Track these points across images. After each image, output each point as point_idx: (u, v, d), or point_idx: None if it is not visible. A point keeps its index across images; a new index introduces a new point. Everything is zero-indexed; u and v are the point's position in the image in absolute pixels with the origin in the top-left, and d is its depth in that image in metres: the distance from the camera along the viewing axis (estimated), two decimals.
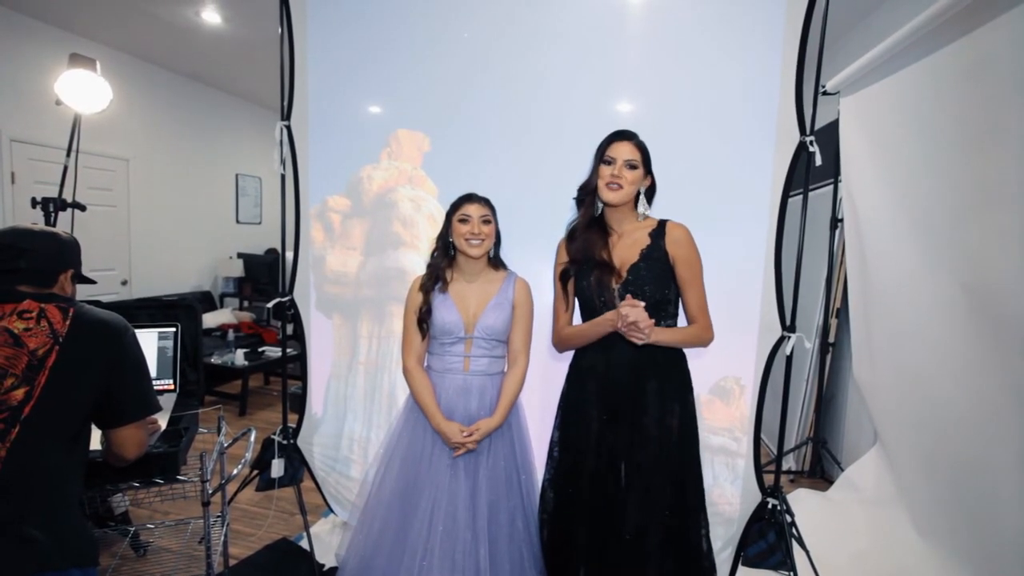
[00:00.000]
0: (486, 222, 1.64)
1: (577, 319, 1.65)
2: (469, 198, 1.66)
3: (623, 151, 1.50)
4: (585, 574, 1.52)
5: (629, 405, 1.49)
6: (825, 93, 2.64)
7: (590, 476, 1.52)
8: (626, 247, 1.54)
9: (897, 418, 2.32)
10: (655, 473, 1.48)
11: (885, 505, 2.32)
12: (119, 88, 3.80)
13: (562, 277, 1.61)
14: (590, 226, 1.58)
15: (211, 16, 3.82)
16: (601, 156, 1.54)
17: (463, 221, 1.63)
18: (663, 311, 1.51)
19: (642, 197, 1.55)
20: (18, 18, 3.78)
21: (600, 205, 1.58)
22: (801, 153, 1.81)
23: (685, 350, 1.57)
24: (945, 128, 1.95)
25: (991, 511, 1.77)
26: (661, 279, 1.49)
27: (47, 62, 3.85)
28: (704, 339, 1.52)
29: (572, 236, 1.61)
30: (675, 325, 1.56)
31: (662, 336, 1.46)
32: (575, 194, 1.62)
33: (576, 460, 1.56)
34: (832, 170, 2.89)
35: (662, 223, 1.54)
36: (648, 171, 1.55)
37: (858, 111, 2.52)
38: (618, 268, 1.51)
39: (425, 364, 1.72)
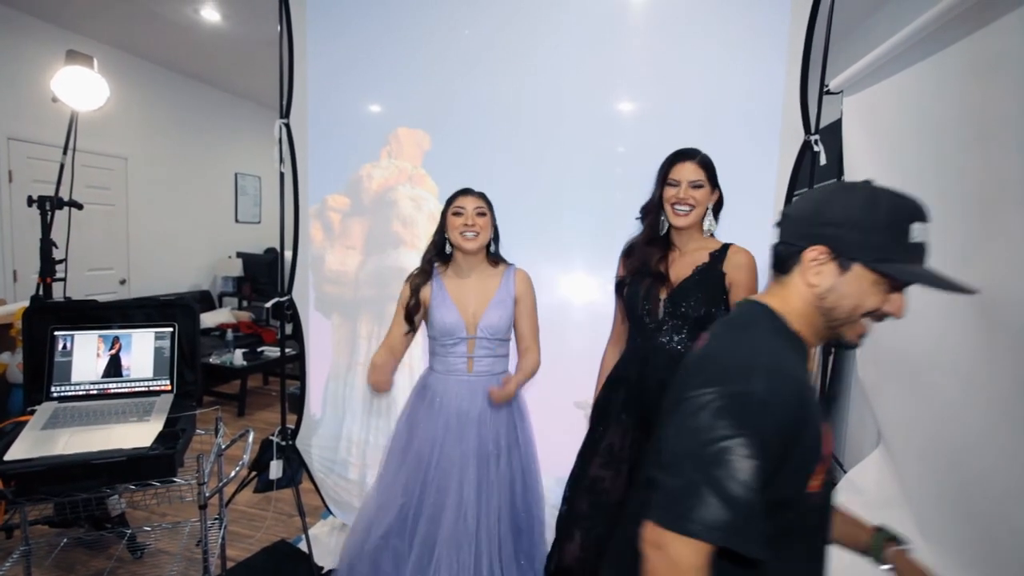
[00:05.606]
0: (481, 214, 1.59)
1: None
2: (464, 192, 1.63)
3: (687, 172, 1.45)
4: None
5: (656, 418, 1.47)
6: (828, 92, 2.61)
7: (610, 481, 1.51)
8: (684, 264, 1.50)
9: (902, 420, 2.29)
10: None
11: (888, 507, 2.30)
12: (117, 86, 3.77)
13: (617, 288, 1.60)
14: (652, 242, 1.54)
15: (210, 14, 3.79)
16: (664, 177, 1.49)
17: (457, 214, 1.59)
18: (703, 329, 1.48)
19: (709, 213, 1.50)
20: (15, 15, 3.76)
21: (666, 223, 1.53)
22: (806, 152, 1.80)
23: None
24: (950, 127, 1.92)
25: (997, 516, 1.75)
26: (708, 298, 1.45)
27: (44, 59, 3.81)
28: None
29: (630, 251, 1.58)
30: None
31: None
32: (637, 213, 1.58)
33: (602, 462, 1.55)
34: (835, 170, 2.87)
35: (726, 246, 1.49)
36: (715, 186, 1.49)
37: (862, 110, 2.49)
38: (671, 281, 1.48)
39: (428, 365, 1.70)
